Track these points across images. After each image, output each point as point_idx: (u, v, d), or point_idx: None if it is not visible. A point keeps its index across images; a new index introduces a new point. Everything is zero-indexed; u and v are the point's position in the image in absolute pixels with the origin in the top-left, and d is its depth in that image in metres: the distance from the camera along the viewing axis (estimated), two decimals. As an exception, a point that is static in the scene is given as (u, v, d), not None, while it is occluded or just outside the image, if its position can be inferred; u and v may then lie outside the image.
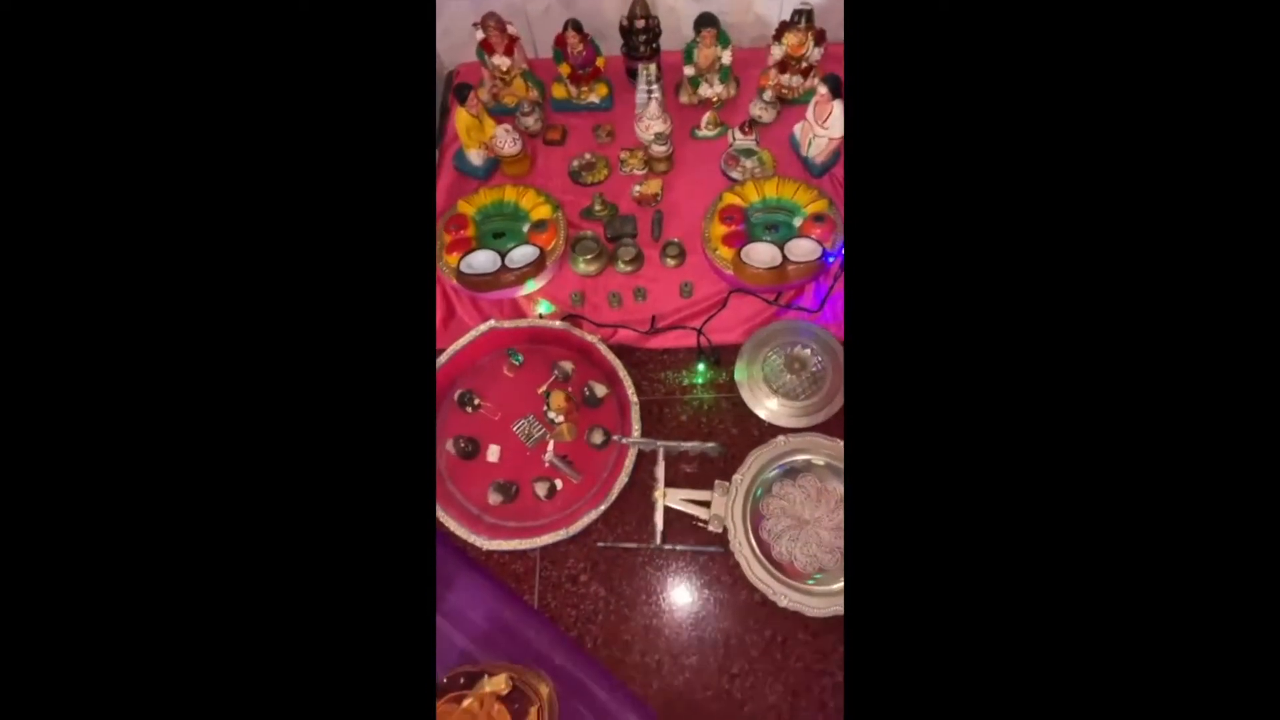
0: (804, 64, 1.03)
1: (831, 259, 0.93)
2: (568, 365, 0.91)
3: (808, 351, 0.89)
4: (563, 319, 0.93)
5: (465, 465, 0.87)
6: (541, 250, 0.93)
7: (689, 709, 0.77)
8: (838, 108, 0.92)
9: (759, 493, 0.82)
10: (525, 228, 0.97)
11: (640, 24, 1.02)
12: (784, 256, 0.90)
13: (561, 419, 0.86)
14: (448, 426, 0.89)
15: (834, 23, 1.05)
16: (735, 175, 1.03)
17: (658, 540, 0.81)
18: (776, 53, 1.02)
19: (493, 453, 0.88)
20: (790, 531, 0.79)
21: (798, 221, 0.96)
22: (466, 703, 0.59)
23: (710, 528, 0.80)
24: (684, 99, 1.10)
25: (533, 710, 0.61)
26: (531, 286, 0.95)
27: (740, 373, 0.90)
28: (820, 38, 1.01)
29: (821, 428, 0.85)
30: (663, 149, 1.01)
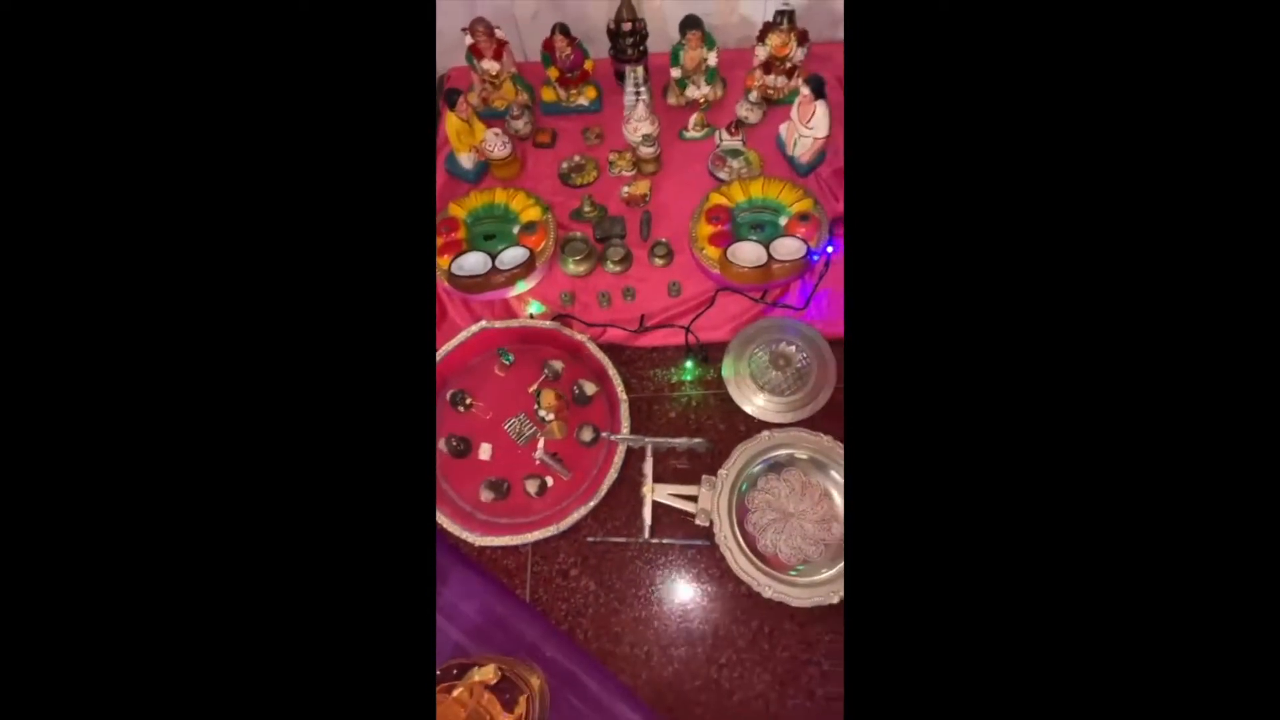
0: (788, 64, 1.04)
1: (816, 257, 0.95)
2: (558, 364, 0.93)
3: (792, 348, 0.91)
4: (553, 319, 0.95)
5: (457, 463, 0.89)
6: (531, 252, 0.94)
7: (678, 699, 0.79)
8: (820, 108, 0.94)
9: (744, 487, 0.84)
10: (515, 230, 0.99)
11: (627, 27, 1.03)
12: (769, 255, 0.92)
13: (552, 417, 0.87)
14: (440, 425, 0.91)
15: (817, 24, 1.06)
16: (722, 176, 1.04)
17: (646, 535, 0.83)
18: (761, 54, 1.04)
19: (484, 451, 0.89)
20: (775, 524, 0.81)
21: (783, 220, 0.98)
22: (457, 692, 0.61)
23: (698, 521, 0.82)
24: (671, 101, 1.12)
25: (522, 699, 0.62)
26: (522, 287, 0.97)
27: (727, 370, 0.91)
28: (803, 38, 1.02)
29: (806, 423, 0.87)
30: (650, 150, 1.03)
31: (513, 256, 0.94)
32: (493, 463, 0.89)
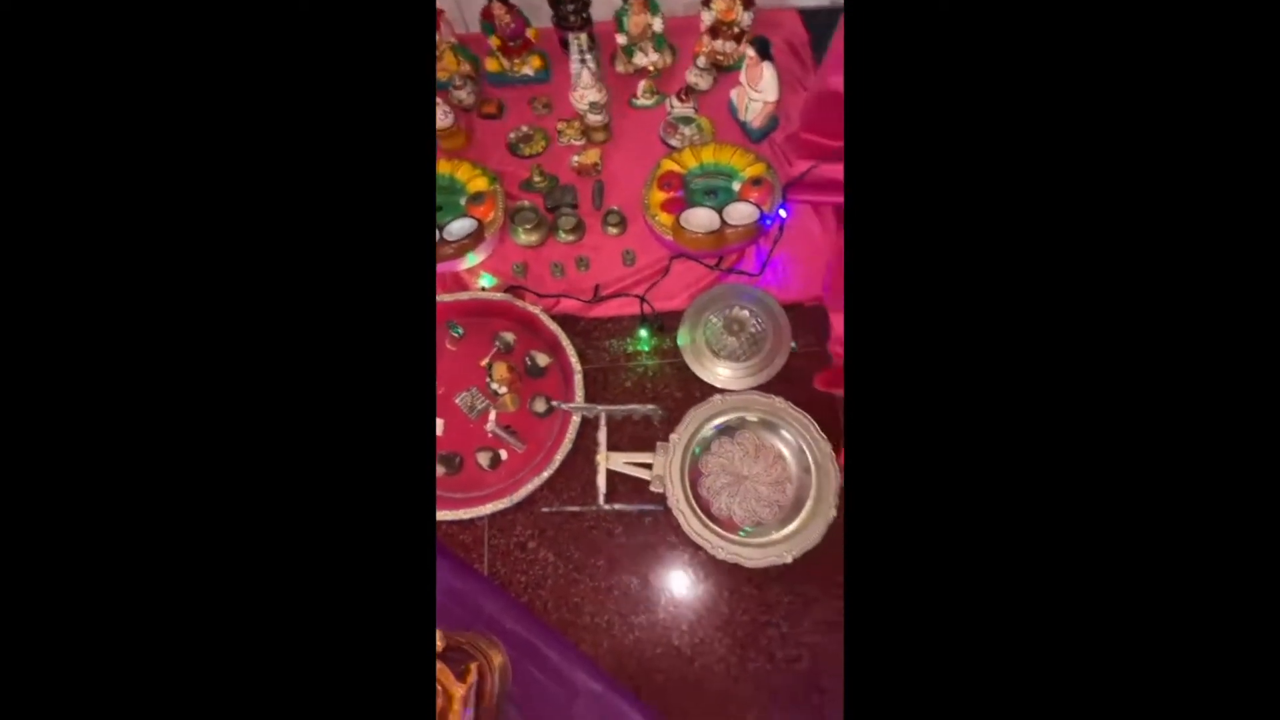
0: (735, 29, 1.03)
1: (769, 222, 0.94)
2: (509, 336, 0.91)
3: (746, 313, 0.90)
4: (505, 290, 0.93)
5: (410, 440, 0.87)
6: (480, 222, 0.92)
7: (639, 666, 0.78)
8: (768, 70, 0.93)
9: (697, 450, 0.83)
10: (462, 200, 0.96)
11: (569, -7, 1.01)
12: (723, 220, 0.91)
13: (504, 390, 0.86)
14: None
15: (762, -14, 1.05)
16: (674, 143, 1.03)
17: (600, 502, 0.82)
18: (707, 19, 1.02)
19: (436, 427, 0.88)
20: (729, 488, 0.80)
21: (736, 186, 0.97)
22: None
23: (653, 488, 0.81)
24: (620, 68, 1.10)
25: (472, 666, 0.61)
26: (473, 260, 0.95)
27: (683, 338, 0.91)
28: (749, 3, 1.01)
29: (762, 387, 0.86)
30: (599, 118, 1.01)
31: (460, 228, 0.92)
32: (444, 437, 0.87)
